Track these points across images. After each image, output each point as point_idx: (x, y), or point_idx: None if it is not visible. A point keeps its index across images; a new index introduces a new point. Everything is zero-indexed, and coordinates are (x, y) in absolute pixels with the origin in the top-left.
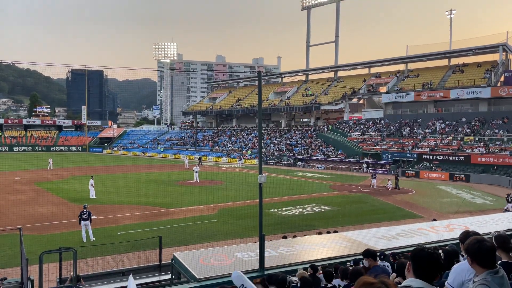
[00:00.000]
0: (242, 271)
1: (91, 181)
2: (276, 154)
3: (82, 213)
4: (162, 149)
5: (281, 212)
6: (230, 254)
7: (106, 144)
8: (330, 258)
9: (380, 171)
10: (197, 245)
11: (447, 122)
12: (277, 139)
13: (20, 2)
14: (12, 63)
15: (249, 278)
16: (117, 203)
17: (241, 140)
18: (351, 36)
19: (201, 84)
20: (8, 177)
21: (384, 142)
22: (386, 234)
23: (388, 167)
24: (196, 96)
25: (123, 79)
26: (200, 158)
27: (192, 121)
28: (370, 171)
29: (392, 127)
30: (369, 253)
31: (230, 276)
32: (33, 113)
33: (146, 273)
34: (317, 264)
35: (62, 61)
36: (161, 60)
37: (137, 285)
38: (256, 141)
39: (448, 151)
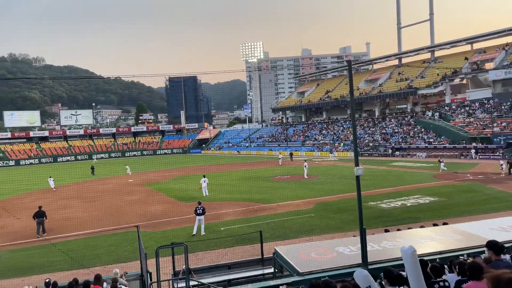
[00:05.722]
0: (344, 266)
1: (205, 179)
2: (371, 144)
3: (197, 209)
4: (232, 149)
5: (381, 205)
6: (331, 248)
7: (204, 145)
8: (440, 252)
9: (491, 157)
10: (296, 239)
11: None
12: (371, 129)
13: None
14: (118, 77)
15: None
16: (218, 200)
17: (332, 133)
18: (447, 11)
19: (289, 80)
20: (123, 180)
21: (495, 124)
22: (504, 226)
23: (501, 151)
24: (284, 92)
25: (215, 82)
26: (291, 154)
27: (282, 117)
28: (480, 157)
29: (503, 107)
30: (493, 245)
31: (332, 270)
32: (139, 121)
33: (250, 267)
34: (425, 258)
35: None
36: (249, 60)
37: (242, 278)
38: (348, 132)
39: None
